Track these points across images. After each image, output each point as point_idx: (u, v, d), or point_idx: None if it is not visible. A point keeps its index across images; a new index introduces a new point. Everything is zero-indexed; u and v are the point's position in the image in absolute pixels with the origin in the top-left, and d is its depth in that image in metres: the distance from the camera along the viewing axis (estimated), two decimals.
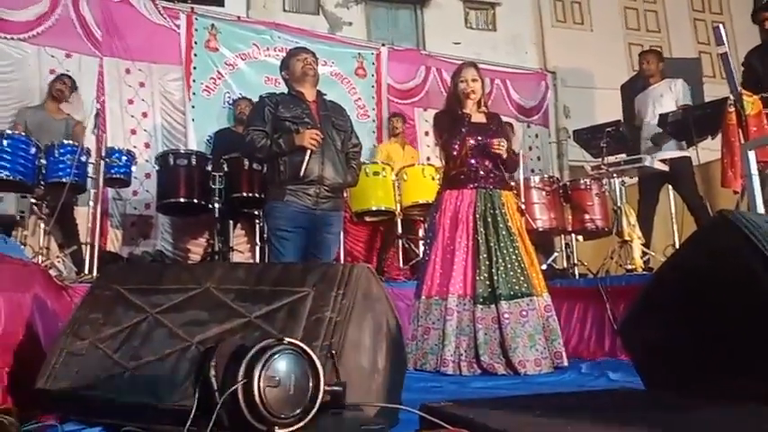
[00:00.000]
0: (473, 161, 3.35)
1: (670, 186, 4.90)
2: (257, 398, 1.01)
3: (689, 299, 1.54)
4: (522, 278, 3.21)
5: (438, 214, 3.40)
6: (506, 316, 3.11)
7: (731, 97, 3.59)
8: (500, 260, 3.21)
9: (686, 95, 4.81)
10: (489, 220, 3.28)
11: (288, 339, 1.10)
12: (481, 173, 3.35)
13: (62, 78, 5.00)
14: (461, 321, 3.16)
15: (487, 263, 3.21)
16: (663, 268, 1.81)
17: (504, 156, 3.34)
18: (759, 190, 2.90)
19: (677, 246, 4.38)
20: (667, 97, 4.78)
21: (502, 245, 3.24)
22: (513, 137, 6.48)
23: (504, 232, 3.27)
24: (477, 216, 3.28)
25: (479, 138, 3.36)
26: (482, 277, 3.19)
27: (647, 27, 9.30)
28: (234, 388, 1.01)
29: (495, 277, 3.17)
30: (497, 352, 3.10)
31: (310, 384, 1.10)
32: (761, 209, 2.87)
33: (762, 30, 4.26)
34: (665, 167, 4.49)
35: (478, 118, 3.43)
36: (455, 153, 3.33)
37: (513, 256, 3.24)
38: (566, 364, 3.16)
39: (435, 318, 3.22)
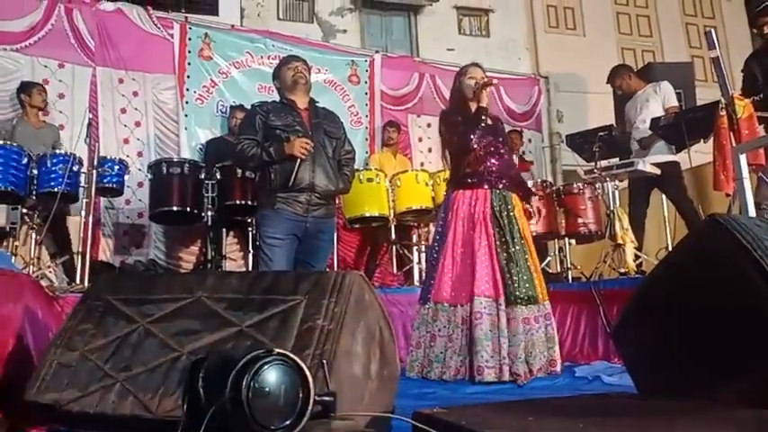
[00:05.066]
0: (488, 162, 3.25)
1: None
2: (246, 409, 1.01)
3: (681, 302, 1.54)
4: (532, 283, 3.12)
5: (449, 216, 3.27)
6: (528, 320, 3.03)
7: (723, 101, 3.60)
8: (515, 263, 3.10)
9: (672, 96, 4.83)
10: (505, 221, 3.17)
11: (277, 350, 1.10)
12: (494, 174, 3.26)
13: (41, 88, 4.98)
14: (495, 324, 3.01)
15: (513, 262, 3.09)
16: (655, 272, 1.81)
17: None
18: (750, 193, 2.91)
19: (670, 249, 4.39)
20: (653, 101, 4.81)
21: (517, 248, 3.14)
22: (520, 146, 6.52)
23: (517, 235, 3.17)
24: (497, 215, 3.17)
25: (492, 137, 3.29)
26: (509, 276, 3.06)
27: (640, 32, 9.35)
28: (222, 400, 1.00)
29: (517, 279, 3.06)
30: (521, 357, 2.98)
31: (300, 395, 1.09)
32: (752, 212, 2.88)
33: (761, 35, 4.25)
34: (658, 171, 4.51)
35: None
36: (474, 146, 3.19)
37: (523, 261, 3.14)
38: (558, 371, 3.09)
39: (442, 324, 3.10)
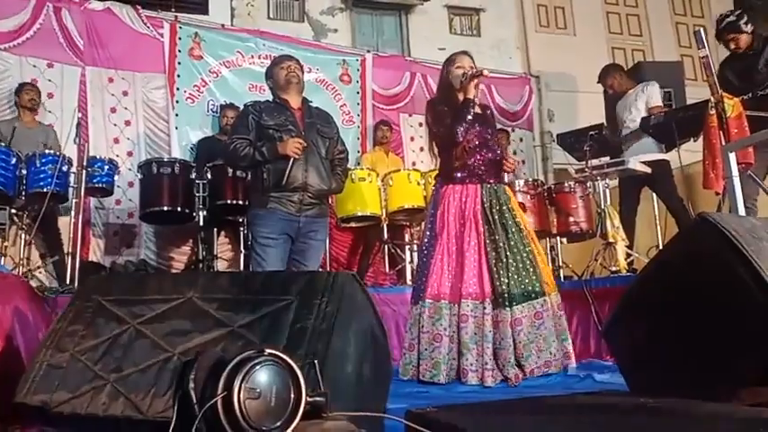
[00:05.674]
0: (478, 155, 3.18)
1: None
2: (237, 410, 1.00)
3: (671, 300, 1.55)
4: (534, 277, 3.03)
5: (439, 210, 3.18)
6: (520, 320, 2.95)
7: (712, 100, 3.62)
8: (511, 259, 3.01)
9: (656, 96, 4.86)
10: (497, 216, 3.08)
11: (268, 350, 1.09)
12: (483, 167, 3.18)
13: (29, 87, 4.95)
14: (480, 327, 2.95)
15: (502, 262, 3.00)
16: (646, 270, 1.82)
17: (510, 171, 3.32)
18: (740, 191, 2.92)
19: (661, 247, 4.41)
20: (641, 101, 4.86)
21: (512, 243, 3.04)
22: (507, 145, 6.52)
23: (513, 229, 3.08)
24: (487, 212, 3.09)
25: (480, 128, 3.22)
26: (497, 277, 2.98)
27: (630, 31, 9.39)
28: (213, 401, 1.00)
29: (506, 278, 2.98)
30: (511, 360, 2.91)
31: (292, 395, 1.09)
32: (742, 210, 2.90)
33: (728, 48, 4.29)
34: (648, 170, 4.54)
35: (476, 108, 3.24)
36: (460, 139, 3.10)
37: (524, 254, 3.05)
38: (574, 364, 3.04)
39: (447, 323, 2.98)
